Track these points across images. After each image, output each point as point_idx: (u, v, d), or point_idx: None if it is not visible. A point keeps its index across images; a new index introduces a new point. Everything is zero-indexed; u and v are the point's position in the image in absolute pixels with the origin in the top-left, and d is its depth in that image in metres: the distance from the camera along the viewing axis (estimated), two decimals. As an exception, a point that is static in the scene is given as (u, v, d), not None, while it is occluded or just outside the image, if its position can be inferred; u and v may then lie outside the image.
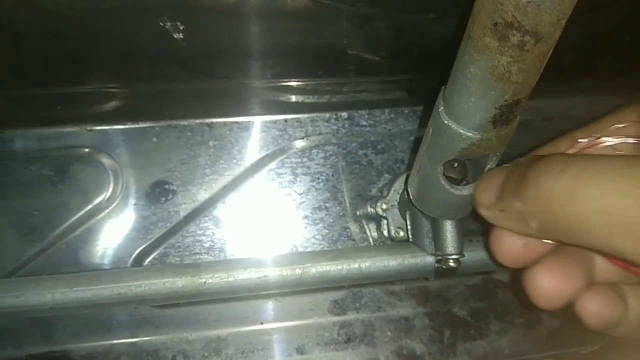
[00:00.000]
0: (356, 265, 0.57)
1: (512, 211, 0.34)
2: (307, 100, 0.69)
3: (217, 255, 0.69)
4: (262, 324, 0.69)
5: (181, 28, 0.49)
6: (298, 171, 0.71)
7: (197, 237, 0.69)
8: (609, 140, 0.37)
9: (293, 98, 0.69)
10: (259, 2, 0.48)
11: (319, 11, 0.50)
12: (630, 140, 0.36)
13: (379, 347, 0.70)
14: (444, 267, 0.56)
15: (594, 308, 0.36)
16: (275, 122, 0.71)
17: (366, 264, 0.57)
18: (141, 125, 0.69)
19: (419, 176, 0.48)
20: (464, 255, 0.55)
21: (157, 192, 0.68)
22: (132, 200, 0.68)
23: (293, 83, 0.66)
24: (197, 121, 0.69)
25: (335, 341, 0.70)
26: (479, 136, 0.37)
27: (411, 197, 0.53)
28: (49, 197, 0.66)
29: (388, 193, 0.67)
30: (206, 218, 0.69)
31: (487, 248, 0.42)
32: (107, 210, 0.67)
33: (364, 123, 0.72)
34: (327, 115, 0.71)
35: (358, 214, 0.71)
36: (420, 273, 0.59)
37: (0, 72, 0.55)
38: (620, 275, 0.38)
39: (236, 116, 0.70)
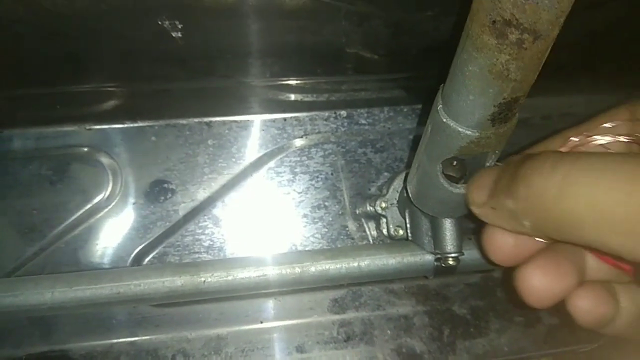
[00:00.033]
0: (355, 264, 0.57)
1: (504, 209, 0.34)
2: (306, 99, 0.69)
3: (216, 254, 0.69)
4: (261, 322, 0.69)
5: (179, 27, 0.49)
6: (297, 170, 0.71)
7: (197, 236, 0.69)
8: (601, 139, 0.37)
9: (292, 97, 0.69)
10: (257, 0, 0.48)
11: (318, 9, 0.50)
12: (622, 138, 0.36)
13: (378, 346, 0.70)
14: (443, 265, 0.56)
15: (586, 306, 0.36)
16: (274, 120, 0.71)
17: (365, 263, 0.57)
18: (140, 124, 0.68)
19: (417, 174, 0.48)
20: (463, 254, 0.55)
21: (156, 191, 0.68)
22: (131, 200, 0.68)
23: (292, 82, 0.66)
24: (196, 120, 0.69)
25: (335, 340, 0.70)
26: (477, 134, 0.37)
27: (410, 195, 0.53)
28: (48, 197, 0.66)
29: (387, 191, 0.67)
30: (205, 217, 0.69)
31: (480, 246, 0.42)
32: (106, 210, 0.67)
33: (363, 121, 0.72)
34: (326, 113, 0.71)
35: (357, 212, 0.71)
36: (420, 271, 0.59)
37: (-1, 72, 0.55)
38: (612, 273, 0.38)
39: (235, 115, 0.70)
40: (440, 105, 0.38)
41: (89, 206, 0.67)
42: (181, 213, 0.68)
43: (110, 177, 0.68)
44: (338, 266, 0.57)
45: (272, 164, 0.70)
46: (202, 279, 0.55)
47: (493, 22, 0.29)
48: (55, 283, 0.54)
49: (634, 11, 0.55)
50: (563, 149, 0.39)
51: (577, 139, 0.38)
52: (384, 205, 0.67)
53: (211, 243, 0.69)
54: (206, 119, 0.70)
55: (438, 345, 0.71)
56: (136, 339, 0.67)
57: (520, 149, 0.40)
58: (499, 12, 0.28)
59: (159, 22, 0.48)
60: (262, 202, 0.70)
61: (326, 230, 0.70)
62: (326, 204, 0.71)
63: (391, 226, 0.66)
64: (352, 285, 0.71)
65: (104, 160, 0.68)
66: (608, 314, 0.36)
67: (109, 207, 0.67)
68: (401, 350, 0.70)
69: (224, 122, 0.70)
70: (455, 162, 0.44)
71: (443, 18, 0.52)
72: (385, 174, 0.72)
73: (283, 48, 0.58)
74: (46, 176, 0.67)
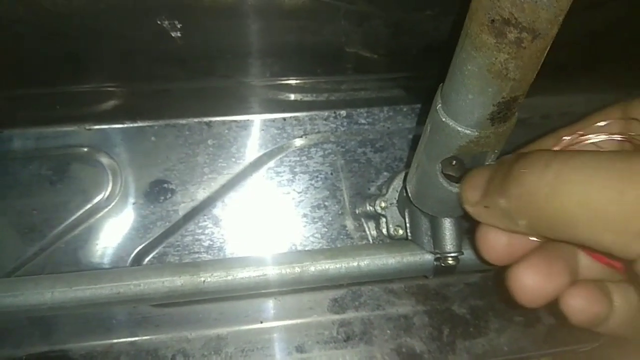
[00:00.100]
0: (355, 264, 0.57)
1: (497, 208, 0.35)
2: (305, 99, 0.69)
3: (216, 254, 0.69)
4: (261, 322, 0.69)
5: (179, 27, 0.49)
6: (297, 170, 0.71)
7: (196, 236, 0.69)
8: (594, 137, 0.37)
9: (292, 96, 0.69)
10: (256, 0, 0.48)
11: (317, 9, 0.50)
12: (615, 137, 0.36)
13: (378, 346, 0.70)
14: (442, 264, 0.56)
15: (579, 305, 0.36)
16: (274, 120, 0.71)
17: (365, 262, 0.57)
18: (140, 124, 0.69)
19: (417, 174, 0.48)
20: (462, 253, 0.55)
21: (156, 191, 0.68)
22: (131, 200, 0.68)
23: (292, 81, 0.66)
24: (196, 120, 0.69)
25: (334, 339, 0.70)
26: (476, 133, 0.37)
27: (410, 195, 0.53)
28: (48, 197, 0.66)
29: (387, 191, 0.67)
30: (205, 217, 0.69)
31: (473, 246, 0.42)
32: (106, 210, 0.67)
33: (363, 121, 0.72)
34: (326, 113, 0.71)
35: (357, 212, 0.71)
36: (419, 271, 0.59)
37: (-1, 72, 0.55)
38: (605, 272, 0.38)
39: (235, 115, 0.70)
40: (440, 105, 0.38)
41: (88, 206, 0.67)
42: (181, 213, 0.68)
43: (110, 177, 0.68)
44: (338, 266, 0.57)
45: (271, 163, 0.70)
46: (202, 279, 0.55)
47: (492, 21, 0.29)
48: (55, 283, 0.54)
49: (634, 11, 0.55)
50: (556, 148, 0.39)
51: (570, 138, 0.38)
52: (383, 204, 0.67)
53: (211, 243, 0.69)
54: (206, 119, 0.70)
55: (438, 345, 0.71)
56: (136, 339, 0.67)
57: (515, 148, 0.40)
58: (498, 11, 0.28)
59: (159, 22, 0.48)
60: (261, 202, 0.70)
61: (326, 230, 0.70)
62: (326, 203, 0.71)
63: (391, 226, 0.66)
64: (352, 285, 0.71)
65: (104, 160, 0.68)
66: (601, 313, 0.36)
67: (109, 207, 0.67)
68: (401, 350, 0.70)
69: (223, 122, 0.70)
70: (454, 162, 0.44)
71: (443, 18, 0.52)
72: (385, 173, 0.72)
73: (283, 48, 0.58)
74: (46, 176, 0.67)
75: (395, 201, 0.67)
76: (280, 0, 0.49)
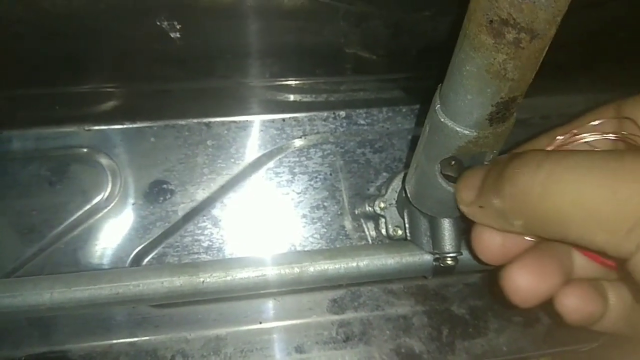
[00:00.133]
0: (354, 264, 0.57)
1: (491, 208, 0.35)
2: (305, 99, 0.70)
3: (215, 254, 0.69)
4: (261, 323, 0.69)
5: (178, 27, 0.49)
6: (296, 170, 0.71)
7: (196, 237, 0.69)
8: (587, 137, 0.37)
9: (291, 97, 0.69)
10: (255, 1, 0.48)
11: (316, 10, 0.50)
12: (609, 136, 0.37)
13: (377, 346, 0.70)
14: (441, 265, 0.56)
15: (573, 304, 0.36)
16: (273, 121, 0.71)
17: (364, 263, 0.57)
18: (139, 125, 0.69)
19: (416, 174, 0.48)
20: (461, 253, 0.55)
21: (155, 192, 0.68)
22: (130, 200, 0.68)
23: (291, 82, 0.66)
24: (195, 121, 0.69)
25: (334, 340, 0.70)
26: (475, 134, 0.37)
27: (409, 195, 0.54)
28: (48, 197, 0.66)
29: (386, 192, 0.67)
30: (204, 217, 0.69)
31: (469, 246, 0.42)
32: (105, 210, 0.67)
33: (362, 122, 0.72)
34: (325, 114, 0.72)
35: (356, 212, 0.71)
36: (419, 271, 0.59)
37: (-2, 72, 0.56)
38: (600, 271, 0.38)
39: (234, 115, 0.70)
40: (438, 105, 0.38)
41: (88, 207, 0.67)
42: (180, 214, 0.68)
43: (110, 178, 0.68)
44: (337, 266, 0.57)
45: (271, 164, 0.70)
46: (201, 280, 0.55)
47: (490, 22, 0.29)
48: (55, 284, 0.54)
49: (632, 10, 0.56)
50: (550, 148, 0.39)
51: (563, 138, 0.38)
52: (382, 205, 0.67)
53: (210, 243, 0.69)
54: (205, 120, 0.70)
55: (437, 345, 0.71)
56: (135, 339, 0.67)
57: (512, 148, 0.40)
58: (496, 12, 0.28)
59: (158, 23, 0.48)
60: (261, 203, 0.70)
61: (325, 230, 0.70)
62: (325, 204, 0.71)
63: (390, 226, 0.66)
64: (351, 285, 0.71)
65: (103, 161, 0.68)
66: (596, 312, 0.37)
67: (108, 207, 0.67)
68: (400, 350, 0.70)
69: (223, 123, 0.70)
70: (453, 162, 0.44)
71: (441, 18, 0.52)
72: (384, 174, 0.72)
73: (282, 48, 0.58)
74: (45, 177, 0.67)
75: (394, 202, 0.67)
76: (280, 1, 0.49)
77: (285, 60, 0.61)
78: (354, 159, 0.71)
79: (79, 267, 0.66)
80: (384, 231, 0.68)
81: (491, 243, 0.38)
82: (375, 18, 0.52)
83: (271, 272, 0.56)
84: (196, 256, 0.68)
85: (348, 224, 0.71)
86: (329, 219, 0.71)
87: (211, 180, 0.69)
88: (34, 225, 0.66)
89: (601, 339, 0.74)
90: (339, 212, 0.71)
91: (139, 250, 0.67)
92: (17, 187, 0.66)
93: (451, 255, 0.55)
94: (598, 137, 0.37)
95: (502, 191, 0.33)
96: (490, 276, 0.72)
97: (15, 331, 0.66)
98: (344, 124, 0.72)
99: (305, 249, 0.70)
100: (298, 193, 0.71)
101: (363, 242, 0.71)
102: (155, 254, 0.68)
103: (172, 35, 0.50)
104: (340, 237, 0.71)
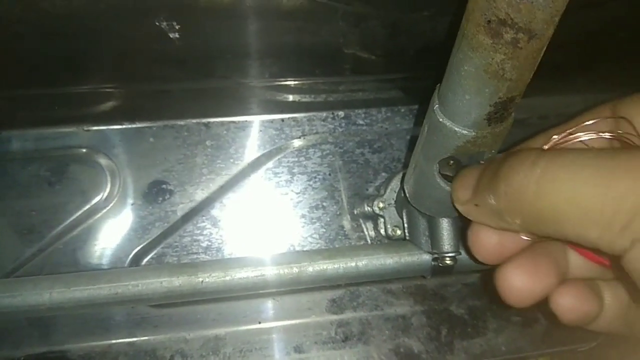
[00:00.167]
0: (353, 264, 0.57)
1: (487, 206, 0.35)
2: (304, 100, 0.70)
3: (214, 254, 0.69)
4: (260, 323, 0.69)
5: (177, 27, 0.49)
6: (295, 170, 0.71)
7: (195, 237, 0.69)
8: (583, 136, 0.37)
9: (290, 97, 0.69)
10: (254, 1, 0.48)
11: (315, 10, 0.50)
12: (605, 135, 0.37)
13: (376, 346, 0.70)
14: (440, 265, 0.56)
15: (568, 303, 0.36)
16: (272, 121, 0.71)
17: (363, 263, 0.57)
18: (138, 125, 0.69)
19: (415, 174, 0.49)
20: (460, 253, 0.55)
21: (154, 192, 0.68)
22: (129, 200, 0.68)
23: (290, 82, 0.66)
24: (194, 121, 0.69)
25: (333, 340, 0.70)
26: (473, 134, 0.37)
27: (407, 195, 0.54)
28: (47, 198, 0.66)
29: (385, 192, 0.68)
30: (203, 218, 0.69)
31: (465, 245, 0.42)
32: (104, 210, 0.67)
33: (361, 122, 0.72)
34: (324, 114, 0.72)
35: (355, 212, 0.71)
36: (417, 271, 0.59)
37: (-2, 72, 0.56)
38: (595, 270, 0.38)
39: (233, 116, 0.70)
40: (437, 105, 0.39)
41: (87, 207, 0.67)
42: (179, 214, 0.68)
43: (109, 178, 0.68)
44: (336, 266, 0.57)
45: (270, 164, 0.70)
46: (200, 280, 0.55)
47: (488, 22, 0.29)
48: (54, 284, 0.54)
49: (631, 10, 0.56)
50: (546, 147, 0.39)
51: (559, 137, 0.38)
52: (381, 205, 0.67)
53: (209, 244, 0.69)
54: (204, 120, 0.70)
55: (436, 345, 0.71)
56: (135, 339, 0.67)
57: (508, 148, 0.40)
58: (494, 12, 0.28)
59: (156, 23, 0.48)
60: (260, 203, 0.70)
61: (324, 230, 0.71)
62: (324, 204, 0.71)
63: (389, 226, 0.66)
64: (350, 285, 0.71)
65: (103, 161, 0.68)
66: (591, 311, 0.37)
67: (108, 208, 0.67)
68: (399, 350, 0.70)
69: (222, 123, 0.70)
70: (451, 162, 0.44)
71: (439, 18, 0.52)
72: (383, 174, 0.72)
73: (281, 49, 0.58)
74: (45, 177, 0.67)
75: (393, 202, 0.67)
76: (279, 2, 0.49)
77: (284, 61, 0.61)
78: (353, 159, 0.72)
79: (78, 267, 0.66)
80: (382, 231, 0.68)
81: (487, 242, 0.38)
82: (373, 18, 0.52)
83: (270, 272, 0.56)
84: (195, 256, 0.68)
85: (347, 224, 0.71)
86: (328, 219, 0.71)
87: (210, 180, 0.69)
88: (33, 225, 0.66)
89: (599, 339, 0.74)
90: (338, 212, 0.71)
91: (138, 251, 0.67)
92: (17, 188, 0.66)
93: (450, 255, 0.55)
94: (594, 136, 0.37)
95: (498, 189, 0.33)
96: (489, 276, 0.72)
97: (15, 331, 0.66)
98: (343, 124, 0.72)
99: (304, 249, 0.70)
100: (297, 193, 0.71)
101: (362, 242, 0.71)
102: (154, 254, 0.68)
103: (171, 35, 0.50)
104: (339, 237, 0.71)
